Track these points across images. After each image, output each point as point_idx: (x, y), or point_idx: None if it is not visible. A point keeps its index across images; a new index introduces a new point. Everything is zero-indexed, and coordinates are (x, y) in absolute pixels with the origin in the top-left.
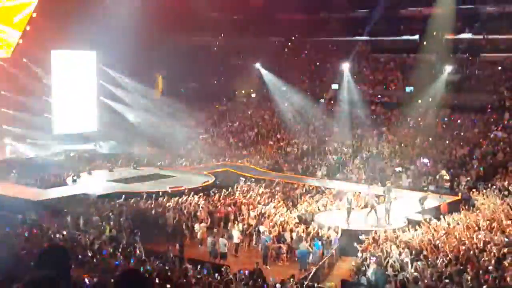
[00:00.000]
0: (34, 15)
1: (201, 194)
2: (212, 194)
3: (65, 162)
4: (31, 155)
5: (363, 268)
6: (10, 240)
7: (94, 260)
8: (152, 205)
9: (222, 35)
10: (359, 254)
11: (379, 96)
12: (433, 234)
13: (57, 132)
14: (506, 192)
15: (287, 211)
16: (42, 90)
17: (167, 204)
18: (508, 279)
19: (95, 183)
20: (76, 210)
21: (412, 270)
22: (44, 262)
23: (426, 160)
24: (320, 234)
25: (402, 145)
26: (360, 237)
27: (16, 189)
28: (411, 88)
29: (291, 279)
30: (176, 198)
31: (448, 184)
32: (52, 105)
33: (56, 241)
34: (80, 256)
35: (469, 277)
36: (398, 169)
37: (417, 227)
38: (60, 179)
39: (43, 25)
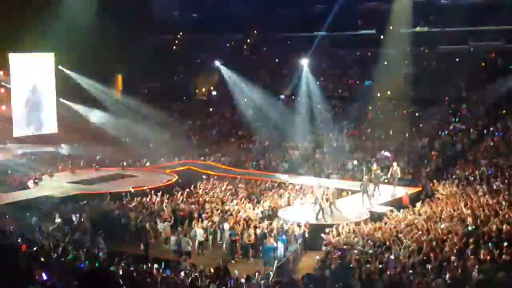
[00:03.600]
0: None
1: (164, 193)
2: (175, 192)
3: (26, 164)
4: None
5: (328, 262)
6: None
7: (58, 263)
8: (115, 206)
9: (182, 33)
10: (323, 248)
11: (339, 90)
12: (395, 226)
13: (17, 134)
14: (465, 182)
15: (250, 207)
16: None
17: (130, 205)
18: (469, 268)
19: (57, 185)
20: (38, 212)
21: (376, 263)
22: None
23: (387, 153)
24: (284, 229)
25: (363, 138)
26: (324, 232)
27: None
28: (370, 82)
29: (256, 274)
30: (139, 198)
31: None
32: (13, 108)
33: (18, 243)
34: (43, 259)
35: (431, 267)
36: (356, 162)
37: (380, 219)
38: (22, 182)
39: None
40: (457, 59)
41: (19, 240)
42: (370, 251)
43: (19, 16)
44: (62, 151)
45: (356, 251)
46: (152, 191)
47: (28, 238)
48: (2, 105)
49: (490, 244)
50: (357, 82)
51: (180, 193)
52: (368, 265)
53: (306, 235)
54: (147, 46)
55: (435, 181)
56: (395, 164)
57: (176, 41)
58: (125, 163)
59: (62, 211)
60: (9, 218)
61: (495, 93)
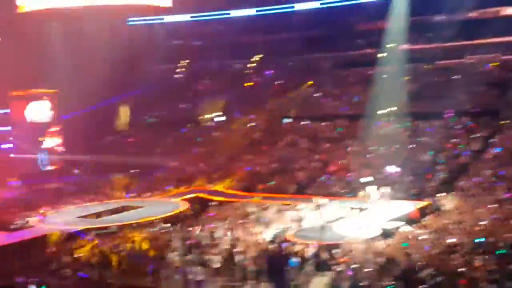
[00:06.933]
0: None
1: (173, 222)
2: (184, 221)
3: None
4: None
5: (340, 281)
6: None
7: None
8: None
9: (186, 61)
10: (335, 267)
11: (342, 109)
12: (405, 241)
13: None
14: (470, 194)
15: (261, 231)
16: None
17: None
18: (479, 279)
19: (64, 220)
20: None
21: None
22: None
23: (393, 168)
24: (294, 251)
25: (369, 155)
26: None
27: None
28: (373, 99)
29: None
30: (148, 229)
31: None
32: None
33: None
34: None
35: (442, 280)
36: (367, 179)
37: (390, 235)
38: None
39: None
40: (454, 73)
41: None
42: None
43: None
44: None
45: (367, 269)
46: (162, 221)
47: None
48: None
49: (498, 253)
50: (360, 100)
51: (189, 221)
52: (380, 282)
53: (317, 255)
54: (151, 76)
55: (441, 194)
56: (369, 188)
57: (181, 69)
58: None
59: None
60: None
61: (494, 104)
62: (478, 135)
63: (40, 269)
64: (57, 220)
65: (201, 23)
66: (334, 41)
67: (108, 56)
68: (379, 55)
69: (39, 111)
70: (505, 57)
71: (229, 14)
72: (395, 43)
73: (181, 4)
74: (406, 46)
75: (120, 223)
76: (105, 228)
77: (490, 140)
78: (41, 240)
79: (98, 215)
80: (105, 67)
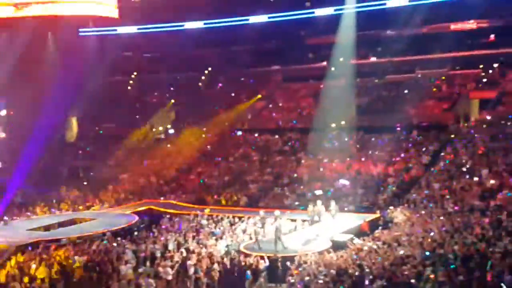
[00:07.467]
0: None
1: (124, 235)
2: (136, 233)
3: None
4: None
5: None
6: None
7: None
8: (75, 251)
9: (135, 73)
10: (288, 279)
11: (294, 122)
12: (356, 253)
13: None
14: (420, 206)
15: (213, 243)
16: None
17: (91, 249)
18: None
19: (14, 233)
20: None
21: None
22: None
23: (345, 181)
24: (247, 263)
25: (320, 169)
26: (288, 263)
27: None
28: (323, 113)
29: None
30: (98, 242)
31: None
32: None
33: None
34: None
35: None
36: (318, 192)
37: (342, 247)
38: None
39: None
40: (404, 88)
41: None
42: (331, 281)
43: None
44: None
45: (319, 281)
46: (113, 234)
47: None
48: None
49: (447, 266)
50: (311, 113)
51: (141, 233)
52: None
53: (269, 267)
54: (101, 87)
55: (391, 207)
56: (320, 201)
57: (130, 82)
58: (81, 206)
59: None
60: None
61: (443, 117)
62: (428, 148)
63: None
64: (5, 233)
65: (150, 35)
66: (285, 55)
67: (58, 67)
68: (329, 69)
69: None
70: (453, 72)
71: (182, 26)
72: (345, 57)
73: (129, 16)
74: (355, 61)
75: (72, 236)
76: (55, 240)
77: (439, 154)
78: None
79: (47, 228)
80: (54, 78)
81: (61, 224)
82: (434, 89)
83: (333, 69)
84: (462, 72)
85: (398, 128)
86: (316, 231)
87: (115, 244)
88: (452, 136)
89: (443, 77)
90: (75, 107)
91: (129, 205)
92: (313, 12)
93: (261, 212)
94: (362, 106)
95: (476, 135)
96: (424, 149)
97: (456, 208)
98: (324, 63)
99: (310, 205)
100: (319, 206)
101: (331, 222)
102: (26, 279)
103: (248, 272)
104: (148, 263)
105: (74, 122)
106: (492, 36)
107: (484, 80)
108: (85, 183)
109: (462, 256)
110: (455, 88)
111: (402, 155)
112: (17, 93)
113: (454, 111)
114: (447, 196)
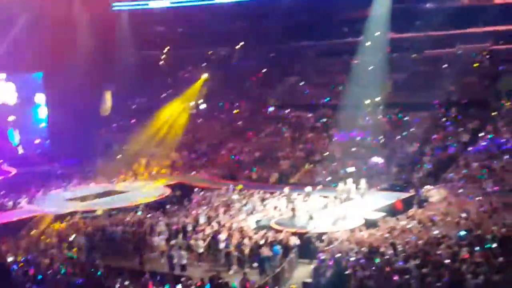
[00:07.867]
0: None
1: (157, 207)
2: (168, 206)
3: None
4: None
5: (322, 270)
6: None
7: (54, 279)
8: (109, 221)
9: (168, 48)
10: (318, 256)
11: (326, 99)
12: (389, 231)
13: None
14: (457, 186)
15: (244, 218)
16: None
17: (125, 220)
18: (465, 271)
19: (52, 203)
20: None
21: (372, 268)
22: None
23: (378, 159)
24: (278, 239)
25: (353, 146)
26: (319, 240)
27: None
28: (357, 89)
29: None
30: (133, 213)
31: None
32: None
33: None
34: (41, 277)
35: (427, 271)
36: (351, 169)
37: (374, 225)
38: (15, 201)
39: None
40: (444, 63)
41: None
42: (363, 259)
43: None
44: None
45: (351, 258)
46: (146, 206)
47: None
48: None
49: (484, 247)
50: (344, 89)
51: (173, 206)
52: (363, 272)
53: (301, 244)
54: (134, 61)
55: (427, 186)
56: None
57: (163, 56)
58: (116, 179)
59: (58, 229)
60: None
61: (484, 94)
62: (467, 126)
63: (29, 249)
64: (45, 202)
65: (182, 10)
66: (318, 30)
67: (91, 42)
68: (364, 44)
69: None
70: (495, 47)
71: (214, 0)
72: (381, 32)
73: None
74: (392, 35)
75: (107, 207)
76: (91, 211)
77: (479, 132)
78: (30, 221)
79: (83, 198)
80: (88, 52)
81: (97, 196)
82: (475, 65)
83: (368, 43)
84: (505, 47)
85: (437, 105)
86: (347, 209)
87: (148, 216)
88: (493, 114)
89: (485, 52)
90: (109, 81)
91: (161, 179)
92: None
93: (286, 189)
94: (398, 82)
95: None
96: (463, 127)
97: (496, 188)
98: (359, 38)
99: (341, 183)
100: (350, 184)
101: (362, 200)
102: (64, 245)
103: (278, 246)
104: (180, 236)
105: (108, 96)
106: None
107: None
108: (119, 156)
109: (501, 237)
110: (497, 64)
111: (440, 133)
112: (54, 69)
113: (495, 88)
114: (486, 176)
